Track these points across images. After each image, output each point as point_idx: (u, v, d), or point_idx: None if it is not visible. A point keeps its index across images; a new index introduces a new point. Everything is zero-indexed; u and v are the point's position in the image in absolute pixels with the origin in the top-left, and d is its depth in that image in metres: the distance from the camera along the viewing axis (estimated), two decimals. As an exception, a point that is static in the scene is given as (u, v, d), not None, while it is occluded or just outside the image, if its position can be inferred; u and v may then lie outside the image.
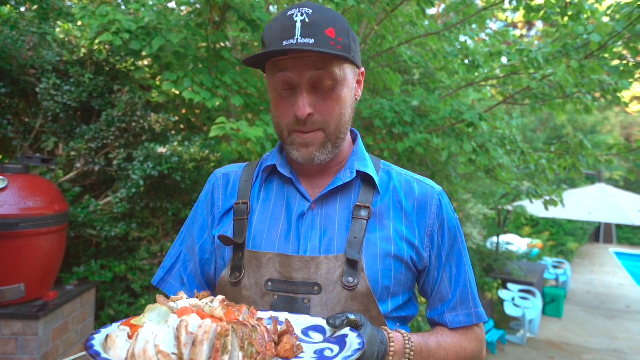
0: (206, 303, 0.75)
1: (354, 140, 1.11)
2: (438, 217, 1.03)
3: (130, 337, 0.66)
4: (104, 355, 0.62)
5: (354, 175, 1.01)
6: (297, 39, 0.86)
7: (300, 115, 0.91)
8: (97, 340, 0.67)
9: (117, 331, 0.68)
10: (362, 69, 1.03)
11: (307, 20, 0.88)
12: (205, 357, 0.62)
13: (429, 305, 1.09)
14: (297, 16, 0.88)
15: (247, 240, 1.00)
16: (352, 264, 0.93)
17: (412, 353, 0.90)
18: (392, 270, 0.97)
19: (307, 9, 0.89)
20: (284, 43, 0.87)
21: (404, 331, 0.93)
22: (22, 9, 3.81)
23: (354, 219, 0.97)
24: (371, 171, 1.02)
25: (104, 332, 0.70)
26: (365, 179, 1.03)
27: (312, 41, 0.86)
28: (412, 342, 0.91)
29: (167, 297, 1.00)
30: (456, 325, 1.04)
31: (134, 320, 0.69)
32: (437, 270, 1.04)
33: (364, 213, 0.98)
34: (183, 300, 0.76)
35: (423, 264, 1.02)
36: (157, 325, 0.66)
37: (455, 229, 1.05)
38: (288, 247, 0.98)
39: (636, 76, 3.27)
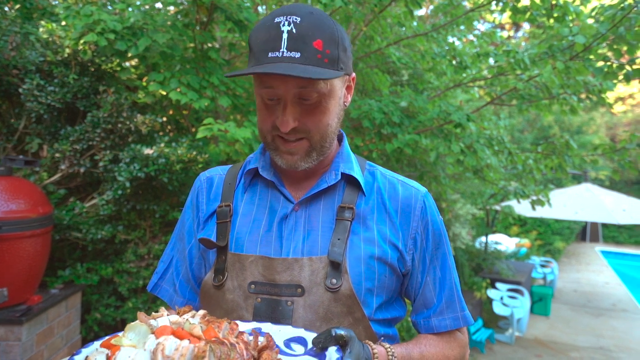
0: (186, 319, 0.74)
1: (340, 140, 1.10)
2: (422, 219, 1.02)
3: (109, 359, 0.65)
4: None
5: (339, 177, 1.00)
6: (283, 52, 0.84)
7: (283, 130, 0.90)
8: None
9: (95, 353, 0.67)
10: (353, 75, 1.01)
11: (294, 30, 0.84)
12: None
13: (413, 308, 1.07)
14: (284, 25, 0.85)
15: (230, 243, 0.99)
16: (335, 266, 0.92)
17: None
18: (376, 273, 0.96)
19: (295, 17, 0.85)
20: (269, 55, 0.85)
21: (387, 344, 0.91)
22: (5, 8, 3.75)
23: (338, 220, 0.97)
24: (356, 173, 1.02)
25: (85, 352, 0.69)
26: (349, 180, 1.02)
27: (297, 55, 0.84)
28: (395, 357, 0.89)
29: (164, 302, 0.99)
30: (442, 329, 1.02)
31: (113, 341, 0.68)
32: (421, 274, 1.03)
33: (347, 214, 0.97)
34: (163, 318, 0.75)
35: (406, 267, 1.01)
36: (135, 344, 0.66)
37: (440, 231, 1.04)
38: (270, 249, 0.97)
39: (620, 77, 3.32)
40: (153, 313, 0.78)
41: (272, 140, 0.96)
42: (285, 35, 0.84)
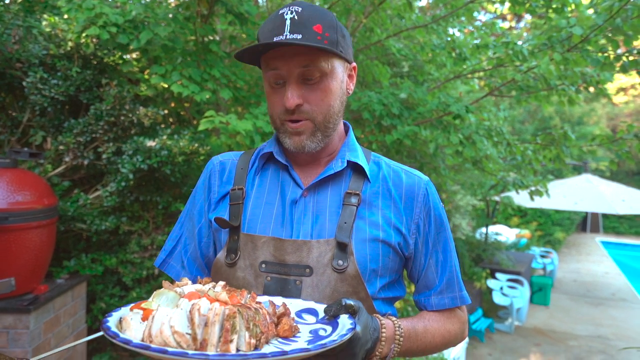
0: (210, 288, 0.81)
1: (346, 132, 1.17)
2: (425, 206, 1.08)
3: (143, 319, 0.72)
4: (122, 335, 0.68)
5: (345, 164, 1.07)
6: (286, 35, 0.93)
7: (288, 106, 0.97)
8: (112, 322, 0.72)
9: (130, 314, 0.73)
10: (354, 64, 1.09)
11: (296, 17, 0.94)
12: (216, 336, 0.68)
13: (416, 289, 1.15)
14: (287, 14, 0.95)
15: (243, 224, 1.06)
16: (342, 248, 0.99)
17: (401, 338, 0.96)
18: (380, 254, 1.02)
19: (297, 7, 0.95)
20: (274, 39, 0.94)
21: (394, 317, 0.99)
22: (7, 1, 3.77)
23: (345, 205, 1.03)
24: (362, 161, 1.08)
25: (116, 315, 0.75)
26: (355, 168, 1.09)
27: (299, 36, 0.93)
28: (401, 328, 0.97)
29: (171, 281, 1.06)
30: (441, 307, 1.10)
31: (144, 304, 0.74)
32: (424, 257, 1.10)
33: (354, 200, 1.03)
34: (189, 286, 0.82)
35: (409, 250, 1.08)
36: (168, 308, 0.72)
37: (441, 217, 1.11)
38: (282, 231, 1.03)
39: (617, 68, 3.34)
40: (177, 282, 0.84)
41: (281, 124, 1.03)
42: (288, 22, 0.94)
